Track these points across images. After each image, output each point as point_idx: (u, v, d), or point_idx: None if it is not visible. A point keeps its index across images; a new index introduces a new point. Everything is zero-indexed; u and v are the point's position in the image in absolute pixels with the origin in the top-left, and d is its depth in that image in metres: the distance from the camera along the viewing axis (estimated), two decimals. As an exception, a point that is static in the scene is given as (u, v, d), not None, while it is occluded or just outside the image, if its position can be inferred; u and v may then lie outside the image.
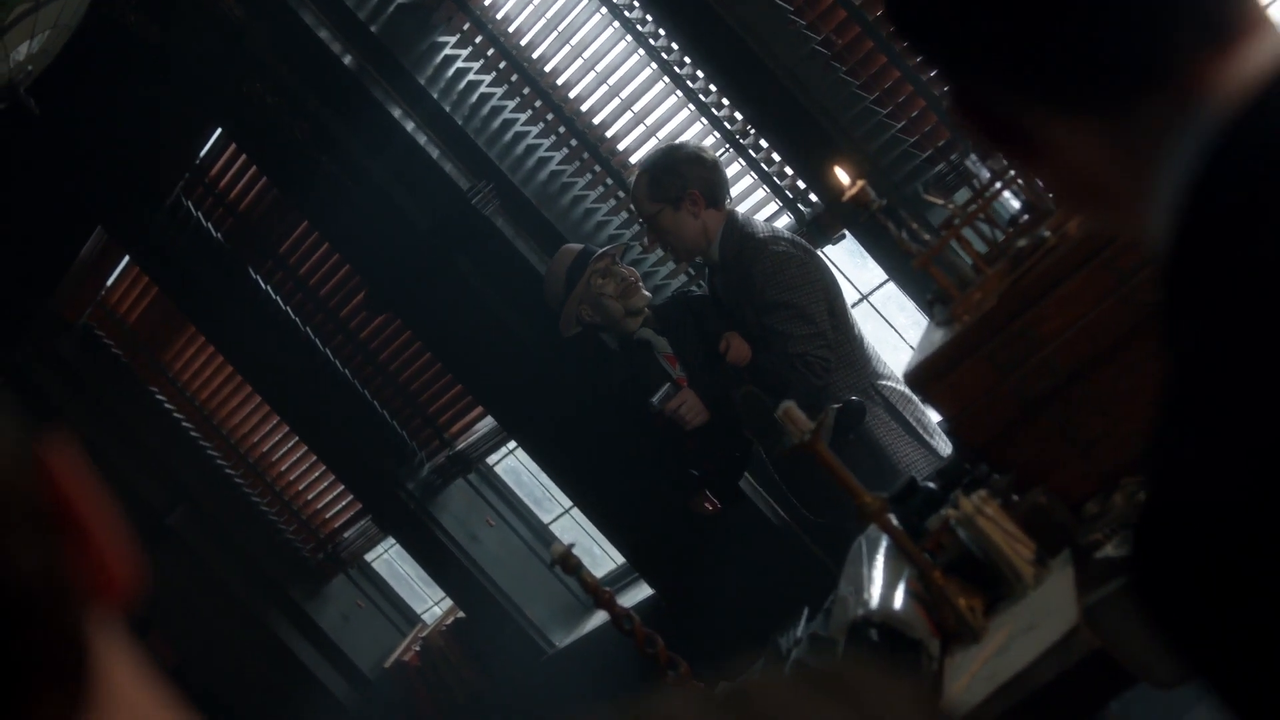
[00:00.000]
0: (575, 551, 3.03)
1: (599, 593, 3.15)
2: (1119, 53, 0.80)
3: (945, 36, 0.85)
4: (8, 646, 0.50)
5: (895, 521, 2.71)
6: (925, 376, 2.63)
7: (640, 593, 5.75)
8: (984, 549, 2.49)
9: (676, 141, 4.51)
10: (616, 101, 5.05)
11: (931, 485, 2.83)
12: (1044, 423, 2.55)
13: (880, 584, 2.64)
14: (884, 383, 4.05)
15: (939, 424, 4.00)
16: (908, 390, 3.89)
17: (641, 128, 5.04)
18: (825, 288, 4.01)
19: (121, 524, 0.55)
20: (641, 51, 4.87)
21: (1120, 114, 0.80)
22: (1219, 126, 0.78)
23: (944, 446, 3.96)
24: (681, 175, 4.06)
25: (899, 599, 2.58)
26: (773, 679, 0.66)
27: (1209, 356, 0.71)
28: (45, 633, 0.52)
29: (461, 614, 6.62)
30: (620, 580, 6.08)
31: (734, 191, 4.83)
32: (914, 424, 4.00)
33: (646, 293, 4.36)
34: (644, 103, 5.00)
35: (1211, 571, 0.68)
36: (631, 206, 4.55)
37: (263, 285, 6.25)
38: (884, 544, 2.74)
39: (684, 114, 4.92)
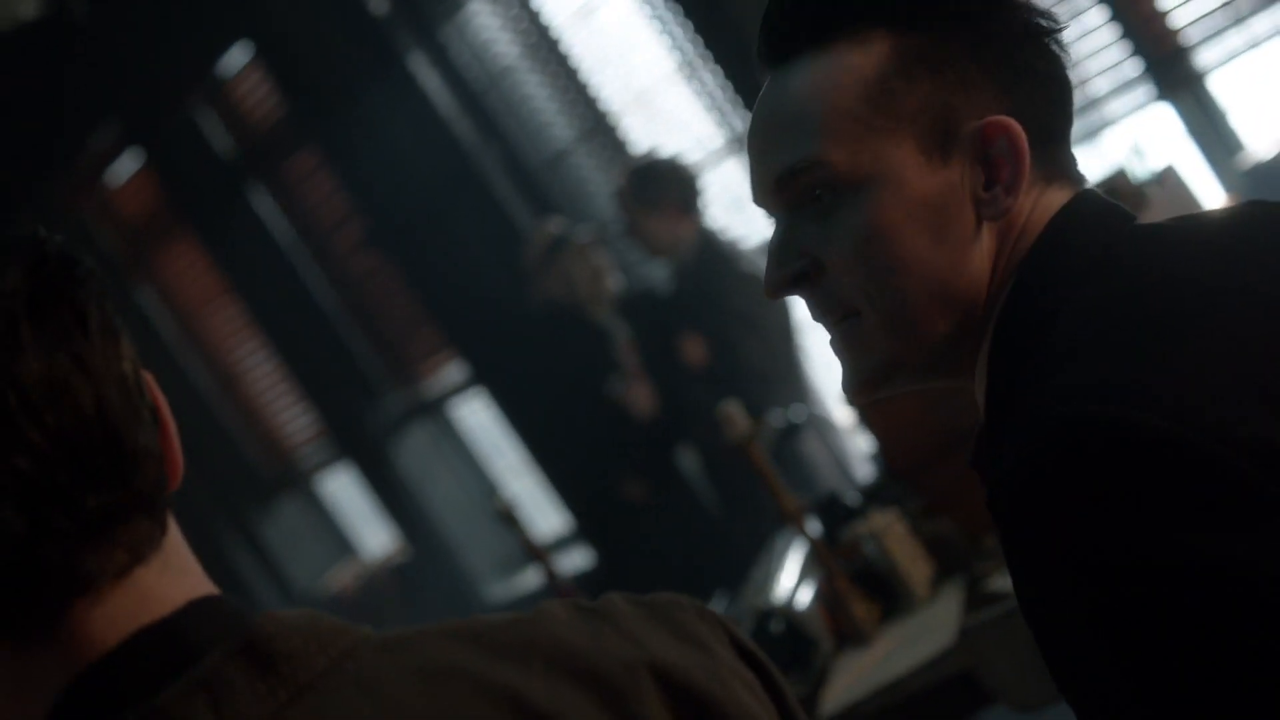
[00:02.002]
0: (526, 509, 3.23)
1: (534, 549, 3.36)
2: None
3: None
4: (130, 482, 0.75)
5: (814, 527, 2.93)
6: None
7: (584, 558, 5.97)
8: (887, 564, 2.71)
9: (664, 150, 4.74)
10: (633, 89, 5.24)
11: (851, 499, 3.04)
12: (962, 458, 2.75)
13: (790, 581, 2.85)
14: (816, 407, 4.33)
15: (868, 447, 4.25)
16: (833, 416, 4.19)
17: (652, 116, 5.23)
18: (783, 311, 4.28)
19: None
20: (664, 44, 5.04)
21: None
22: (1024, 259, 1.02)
23: (857, 472, 4.24)
24: (662, 184, 4.32)
25: (804, 598, 2.79)
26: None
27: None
28: (149, 482, 0.76)
29: (406, 554, 6.82)
30: (566, 543, 6.28)
31: (738, 189, 5.06)
32: (834, 448, 4.29)
33: (616, 279, 4.65)
34: (658, 91, 5.19)
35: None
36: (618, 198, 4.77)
37: (265, 201, 6.43)
38: (800, 546, 2.95)
39: (695, 108, 5.11)
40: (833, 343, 1.08)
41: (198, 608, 0.76)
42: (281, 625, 0.76)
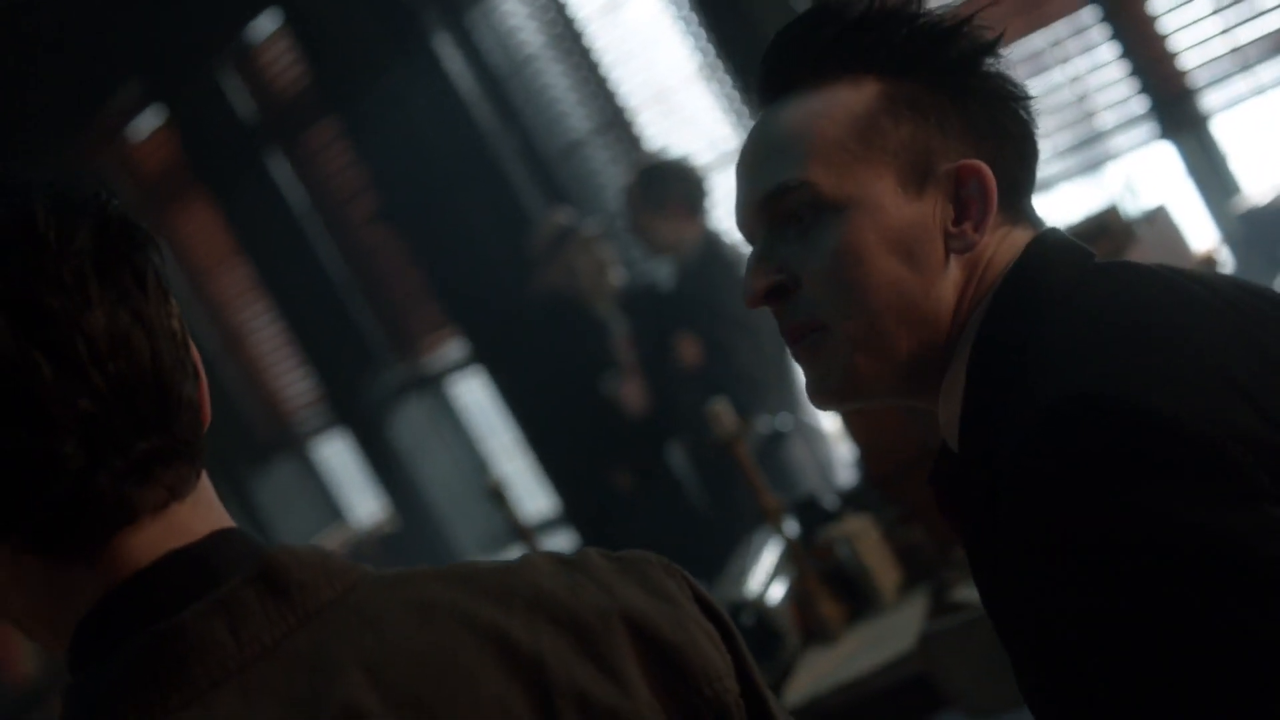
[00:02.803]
0: (515, 489, 3.32)
1: (520, 529, 3.45)
2: None
3: None
4: (173, 429, 0.83)
5: (791, 526, 3.02)
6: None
7: (569, 541, 6.06)
8: (858, 567, 2.80)
9: (676, 150, 4.82)
10: (652, 86, 5.32)
11: (829, 502, 3.14)
12: (938, 471, 2.85)
13: (764, 577, 2.95)
14: (802, 414, 4.43)
15: (850, 455, 4.34)
16: (819, 423, 4.29)
17: (668, 114, 5.32)
18: None
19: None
20: (686, 45, 5.13)
21: None
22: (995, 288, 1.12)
23: (838, 479, 4.33)
24: (670, 184, 4.40)
25: (776, 594, 2.89)
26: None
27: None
28: (189, 430, 0.85)
29: (394, 525, 6.91)
30: (552, 525, 6.36)
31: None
32: (818, 454, 4.39)
33: (618, 274, 4.74)
34: (676, 90, 5.28)
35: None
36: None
37: (282, 168, 6.52)
38: (776, 544, 3.04)
39: (712, 109, 5.19)
40: (796, 355, 1.16)
41: (221, 537, 0.85)
42: (295, 557, 0.85)
